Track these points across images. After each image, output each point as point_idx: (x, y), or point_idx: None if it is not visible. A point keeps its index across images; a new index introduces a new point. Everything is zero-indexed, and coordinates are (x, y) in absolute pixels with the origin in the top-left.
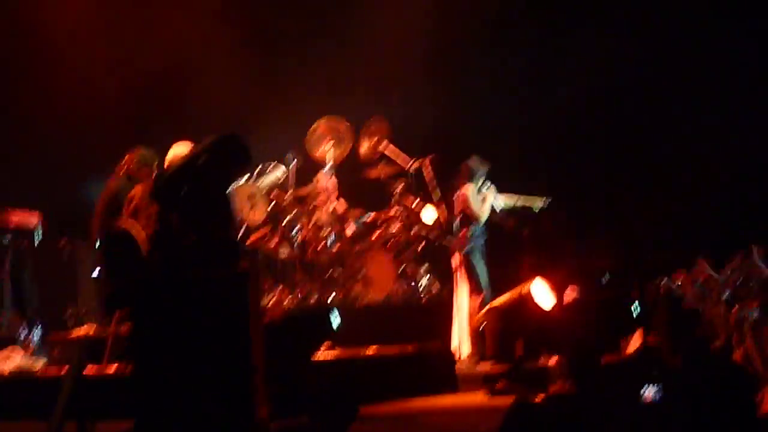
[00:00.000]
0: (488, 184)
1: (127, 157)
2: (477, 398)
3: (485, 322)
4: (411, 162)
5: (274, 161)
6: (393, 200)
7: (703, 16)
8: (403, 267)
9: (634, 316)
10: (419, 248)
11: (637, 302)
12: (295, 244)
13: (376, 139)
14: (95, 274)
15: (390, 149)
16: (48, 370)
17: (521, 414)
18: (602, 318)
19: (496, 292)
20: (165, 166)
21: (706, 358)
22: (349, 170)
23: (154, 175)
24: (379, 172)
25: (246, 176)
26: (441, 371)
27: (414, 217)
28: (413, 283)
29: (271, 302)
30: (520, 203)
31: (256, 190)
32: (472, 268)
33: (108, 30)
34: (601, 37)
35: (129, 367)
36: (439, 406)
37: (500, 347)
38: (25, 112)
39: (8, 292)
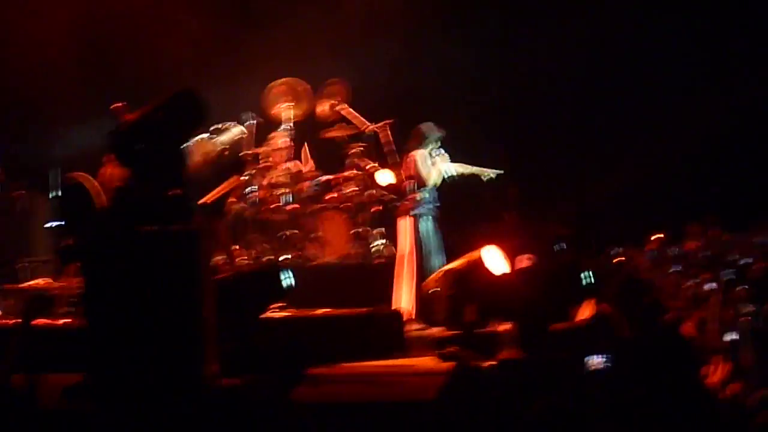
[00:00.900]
0: (441, 150)
1: None
2: (427, 362)
3: (437, 287)
4: (370, 125)
5: (232, 121)
6: (348, 162)
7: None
8: (357, 229)
9: (585, 284)
10: (373, 211)
11: (589, 271)
12: (250, 203)
13: (334, 100)
14: (49, 225)
15: (348, 111)
16: None
17: (466, 378)
18: (554, 286)
19: (452, 257)
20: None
21: (655, 328)
22: (307, 131)
23: None
24: (337, 133)
25: (203, 134)
26: (392, 334)
27: (369, 180)
28: (367, 246)
29: (224, 260)
30: (469, 172)
31: (212, 147)
32: (419, 232)
33: None
34: (566, 17)
35: (80, 320)
36: (388, 368)
37: (451, 312)
38: None
39: None
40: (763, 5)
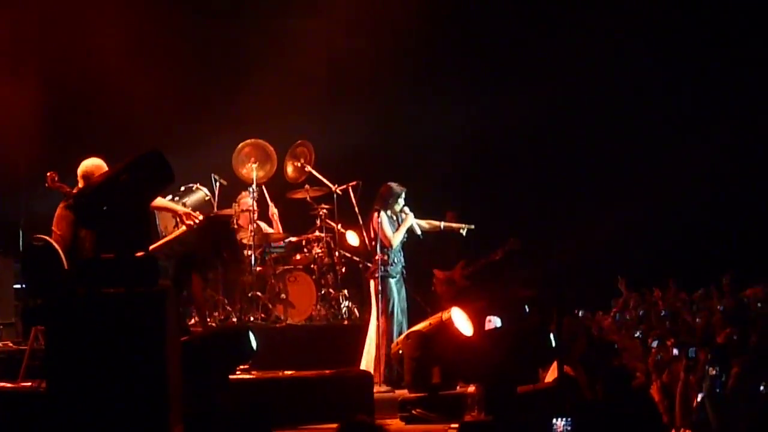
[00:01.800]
0: (406, 208)
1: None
2: (393, 424)
3: (402, 348)
4: (335, 187)
5: (198, 182)
6: (316, 224)
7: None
8: (324, 290)
9: (552, 346)
10: (340, 272)
11: (554, 333)
12: (218, 264)
13: (301, 161)
14: (17, 286)
15: (314, 173)
16: None
17: None
18: (520, 348)
19: (417, 318)
20: (79, 180)
21: (622, 391)
22: (275, 192)
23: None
24: (303, 194)
25: (170, 196)
26: (358, 395)
27: (336, 241)
28: (334, 307)
29: (191, 321)
30: (443, 227)
31: (180, 208)
32: (385, 293)
33: (27, 43)
34: (530, 71)
35: (44, 384)
36: None
37: (417, 374)
38: None
39: None
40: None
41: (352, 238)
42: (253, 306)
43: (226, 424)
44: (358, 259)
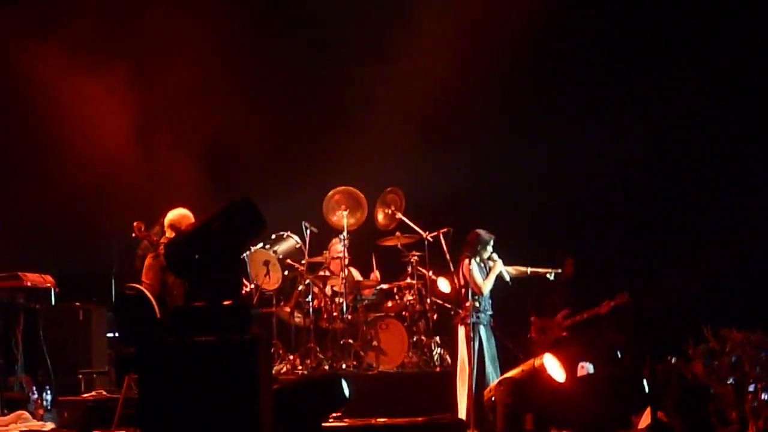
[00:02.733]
0: (494, 255)
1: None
2: None
3: (495, 395)
4: (426, 233)
5: (289, 230)
6: (407, 270)
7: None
8: (416, 337)
9: (646, 392)
10: (432, 319)
11: (648, 379)
12: (309, 312)
13: (392, 208)
14: (110, 335)
15: (405, 220)
16: None
17: None
18: (614, 394)
19: (509, 365)
20: (165, 230)
21: None
22: (366, 239)
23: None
24: (394, 241)
25: (261, 243)
26: None
27: (428, 288)
28: (425, 354)
29: (283, 369)
30: (530, 272)
31: (271, 256)
32: (475, 341)
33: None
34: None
35: None
36: None
37: (509, 421)
38: (41, 181)
39: (21, 354)
40: None
41: (444, 285)
42: (344, 353)
43: None
44: (449, 306)
